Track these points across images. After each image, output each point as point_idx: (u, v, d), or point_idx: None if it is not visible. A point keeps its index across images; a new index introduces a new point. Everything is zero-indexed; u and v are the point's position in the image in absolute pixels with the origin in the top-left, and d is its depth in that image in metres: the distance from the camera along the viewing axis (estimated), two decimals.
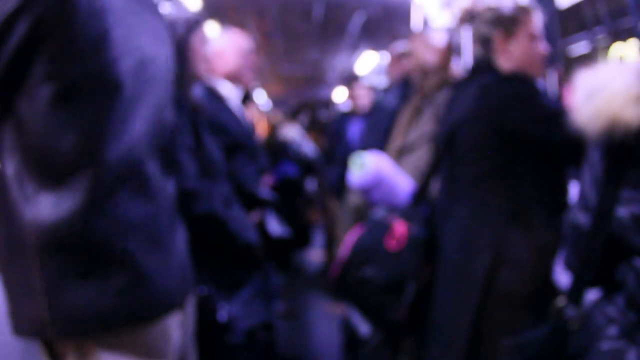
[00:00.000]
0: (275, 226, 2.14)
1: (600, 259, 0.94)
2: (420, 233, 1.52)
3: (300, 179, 4.50)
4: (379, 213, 1.61)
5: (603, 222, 0.92)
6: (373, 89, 6.28)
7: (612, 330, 0.90)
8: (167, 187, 1.16)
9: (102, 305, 0.96)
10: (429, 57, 2.22)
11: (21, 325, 0.99)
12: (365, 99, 4.08)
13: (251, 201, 2.10)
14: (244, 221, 1.81)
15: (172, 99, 1.19)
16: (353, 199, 4.08)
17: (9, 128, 0.94)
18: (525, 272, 1.40)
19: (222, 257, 1.81)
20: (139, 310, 1.01)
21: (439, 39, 2.25)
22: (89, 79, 0.93)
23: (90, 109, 0.94)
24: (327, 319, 3.93)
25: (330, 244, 4.66)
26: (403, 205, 1.61)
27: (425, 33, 2.36)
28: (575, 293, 0.99)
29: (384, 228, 1.57)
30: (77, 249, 0.95)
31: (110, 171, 0.96)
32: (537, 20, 1.56)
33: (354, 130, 4.12)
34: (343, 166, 4.03)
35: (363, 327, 2.24)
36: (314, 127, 7.24)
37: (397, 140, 2.30)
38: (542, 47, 1.58)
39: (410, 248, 1.51)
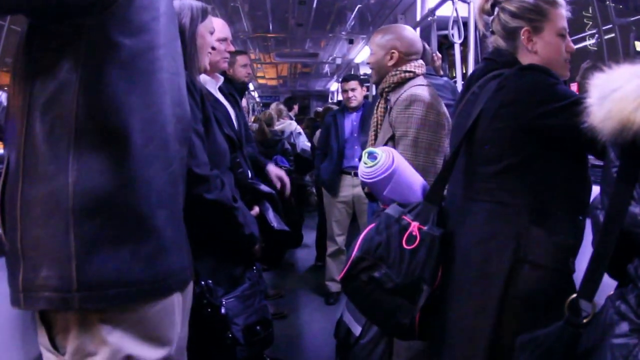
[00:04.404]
0: (275, 219, 2.10)
1: (613, 255, 0.97)
2: (436, 232, 1.44)
3: (291, 172, 4.48)
4: (392, 210, 1.53)
5: (616, 220, 0.96)
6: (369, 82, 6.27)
7: (624, 326, 0.92)
8: (184, 172, 1.22)
9: (132, 272, 1.00)
10: (380, 57, 2.18)
11: (39, 294, 0.96)
12: (358, 95, 4.09)
13: (253, 194, 2.06)
14: (247, 213, 1.77)
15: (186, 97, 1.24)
16: (346, 194, 4.08)
17: (46, 90, 0.96)
18: (547, 272, 1.35)
19: (220, 252, 1.76)
20: (159, 282, 1.06)
21: (392, 38, 2.18)
22: (136, 54, 1.01)
23: (140, 80, 1.02)
24: (319, 318, 3.86)
25: (322, 240, 4.60)
26: (416, 203, 1.53)
27: (381, 31, 2.27)
28: (587, 288, 1.01)
29: (398, 226, 1.48)
30: (114, 214, 0.98)
31: (144, 145, 1.02)
32: (565, 16, 1.49)
33: (348, 124, 4.11)
34: (336, 160, 4.05)
35: (356, 326, 2.18)
36: (302, 121, 7.19)
37: (371, 139, 2.27)
38: (569, 46, 1.51)
39: (424, 249, 1.43)
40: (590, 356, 0.97)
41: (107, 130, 0.97)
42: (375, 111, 2.26)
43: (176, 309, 1.13)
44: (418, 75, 2.14)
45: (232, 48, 2.22)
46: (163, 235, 1.05)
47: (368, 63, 2.28)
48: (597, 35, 2.69)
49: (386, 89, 2.16)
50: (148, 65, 1.03)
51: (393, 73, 2.13)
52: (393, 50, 2.15)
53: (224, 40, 2.16)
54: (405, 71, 2.12)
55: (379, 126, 2.22)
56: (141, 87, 1.02)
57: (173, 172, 1.11)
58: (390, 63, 2.16)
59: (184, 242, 1.17)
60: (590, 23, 2.67)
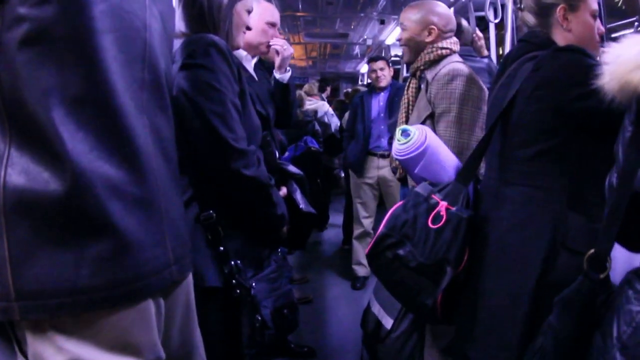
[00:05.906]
0: (302, 200, 2.08)
1: (626, 214, 1.03)
2: (464, 214, 1.42)
3: (320, 154, 4.45)
4: (421, 189, 1.51)
5: (628, 180, 1.02)
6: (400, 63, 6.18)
7: (630, 293, 1.00)
8: (169, 147, 1.06)
9: (79, 278, 0.86)
10: (416, 33, 2.09)
11: None
12: (386, 74, 4.05)
13: (281, 175, 2.05)
14: (277, 194, 1.75)
15: (163, 56, 1.07)
16: (371, 175, 4.05)
17: None
18: (582, 259, 1.30)
19: (249, 232, 1.75)
20: (119, 288, 0.90)
21: (428, 13, 2.09)
22: (50, 24, 0.83)
23: (61, 55, 0.85)
24: (345, 303, 3.82)
25: (350, 224, 4.58)
26: (447, 182, 1.51)
27: (414, 7, 2.17)
28: (603, 245, 1.08)
29: (426, 205, 1.47)
30: (51, 212, 0.84)
31: (77, 131, 0.86)
32: None
33: (375, 105, 4.08)
34: (363, 141, 4.02)
35: (388, 319, 2.16)
36: (331, 102, 7.16)
37: (401, 120, 2.20)
38: (600, 28, 1.50)
39: (450, 229, 1.41)
40: (601, 320, 1.04)
41: (34, 119, 0.84)
42: (405, 92, 2.20)
43: (154, 313, 0.99)
44: (454, 52, 2.07)
45: (278, 35, 2.20)
46: (124, 232, 0.90)
47: (399, 40, 2.18)
48: (637, 23, 2.56)
49: (421, 67, 2.08)
50: (72, 32, 0.86)
51: (429, 50, 2.06)
52: (432, 26, 2.07)
53: (273, 25, 2.15)
54: (442, 48, 2.05)
55: (410, 107, 2.16)
56: (63, 61, 0.85)
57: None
58: (428, 39, 2.07)
59: (171, 232, 1.02)
60: None
